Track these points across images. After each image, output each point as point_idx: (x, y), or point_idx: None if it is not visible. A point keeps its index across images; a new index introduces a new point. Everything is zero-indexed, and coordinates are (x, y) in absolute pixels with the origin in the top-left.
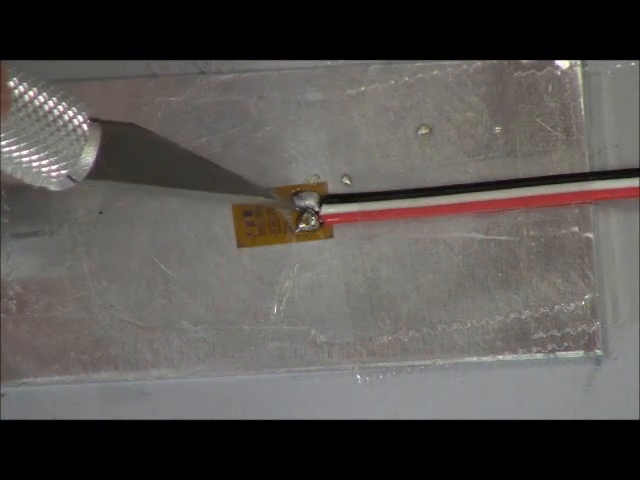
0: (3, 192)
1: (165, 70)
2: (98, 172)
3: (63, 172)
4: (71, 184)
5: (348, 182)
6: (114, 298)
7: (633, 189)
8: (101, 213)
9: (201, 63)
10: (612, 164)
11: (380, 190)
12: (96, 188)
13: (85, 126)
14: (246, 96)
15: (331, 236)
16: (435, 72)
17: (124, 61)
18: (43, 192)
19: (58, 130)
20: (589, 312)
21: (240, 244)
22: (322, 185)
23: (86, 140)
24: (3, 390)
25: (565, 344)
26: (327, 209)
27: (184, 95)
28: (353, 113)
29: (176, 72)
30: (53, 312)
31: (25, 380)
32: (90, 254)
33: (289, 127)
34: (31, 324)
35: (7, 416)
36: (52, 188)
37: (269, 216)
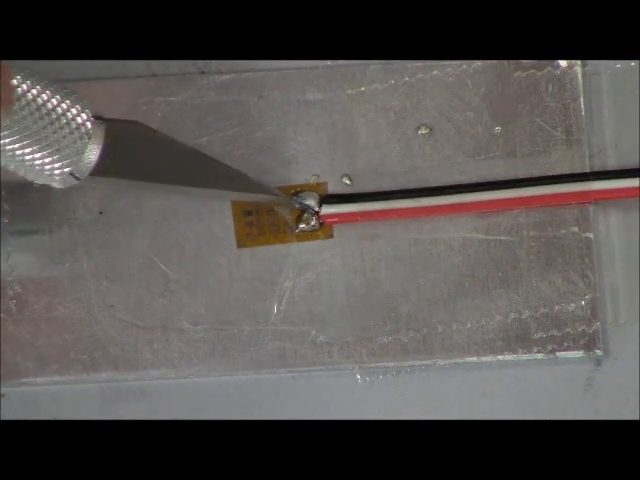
0: (3, 192)
1: (165, 70)
2: (101, 169)
3: (66, 170)
4: (74, 181)
5: (348, 182)
6: (114, 298)
7: (633, 189)
8: (101, 213)
9: (201, 63)
10: (612, 164)
11: (380, 190)
12: (99, 186)
13: (89, 124)
14: (246, 96)
15: (331, 236)
16: (435, 72)
17: (124, 61)
18: (43, 192)
19: (61, 128)
20: (589, 312)
21: (240, 244)
22: (322, 185)
23: (89, 138)
24: (3, 390)
25: (565, 344)
26: (327, 209)
27: (184, 95)
28: (353, 113)
29: (176, 72)
30: (53, 312)
31: (25, 380)
32: (90, 254)
33: (289, 127)
34: (31, 324)
35: (7, 416)
36: (55, 185)
37: (269, 216)
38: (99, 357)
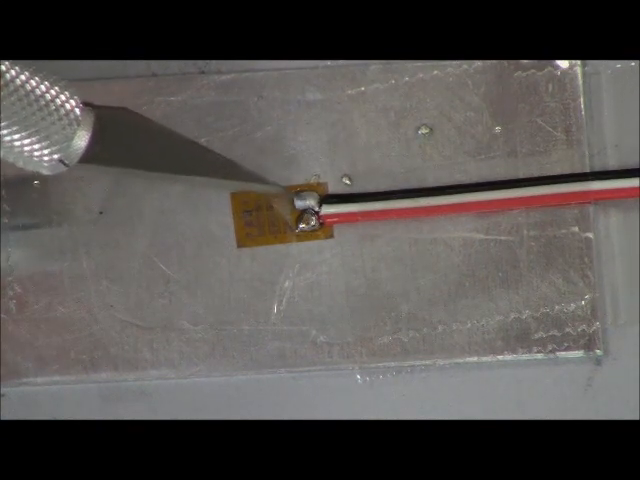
0: (3, 192)
1: (165, 70)
2: (91, 156)
3: (55, 156)
4: (63, 168)
5: (348, 182)
6: (114, 298)
7: (633, 189)
8: (101, 213)
9: (201, 63)
10: (612, 164)
11: (380, 190)
12: (92, 183)
13: (77, 110)
14: (246, 96)
15: (331, 236)
16: (435, 72)
17: (124, 61)
18: (43, 192)
19: (50, 114)
20: (589, 312)
21: (240, 244)
22: (322, 185)
23: (78, 124)
24: (3, 390)
25: (565, 344)
26: (327, 209)
27: (184, 95)
28: (353, 113)
29: (176, 72)
30: (53, 312)
31: (25, 380)
32: (90, 254)
33: (289, 127)
34: (31, 324)
35: (7, 416)
36: (44, 172)
37: (269, 216)
38: (99, 357)
